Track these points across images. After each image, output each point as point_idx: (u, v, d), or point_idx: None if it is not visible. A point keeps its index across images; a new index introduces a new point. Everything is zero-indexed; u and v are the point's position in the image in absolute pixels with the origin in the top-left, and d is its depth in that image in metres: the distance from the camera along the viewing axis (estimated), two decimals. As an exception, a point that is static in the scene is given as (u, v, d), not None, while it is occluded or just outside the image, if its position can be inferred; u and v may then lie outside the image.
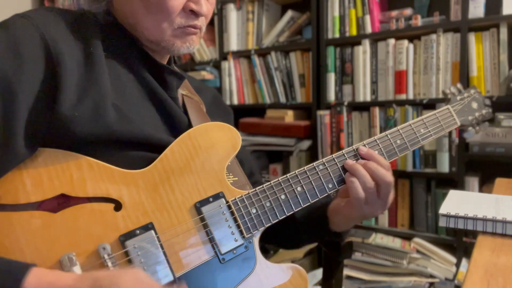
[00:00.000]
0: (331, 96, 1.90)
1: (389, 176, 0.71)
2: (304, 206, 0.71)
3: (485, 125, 0.94)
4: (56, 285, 0.50)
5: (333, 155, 0.74)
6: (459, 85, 0.94)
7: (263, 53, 2.07)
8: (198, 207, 0.64)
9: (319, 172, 0.72)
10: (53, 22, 0.62)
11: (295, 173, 0.71)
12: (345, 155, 0.74)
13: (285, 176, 0.71)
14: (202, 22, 0.71)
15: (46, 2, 2.71)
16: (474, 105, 0.92)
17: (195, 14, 0.68)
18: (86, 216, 0.57)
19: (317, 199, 0.72)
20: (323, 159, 0.73)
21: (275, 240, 0.86)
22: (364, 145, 0.75)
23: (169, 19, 0.67)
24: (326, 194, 0.73)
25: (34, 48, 0.58)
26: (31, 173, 0.56)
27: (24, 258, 0.53)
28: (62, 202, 0.57)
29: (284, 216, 0.69)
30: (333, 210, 0.78)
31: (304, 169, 0.72)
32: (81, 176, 0.58)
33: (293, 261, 1.86)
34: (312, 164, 0.72)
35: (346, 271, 1.81)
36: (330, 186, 0.72)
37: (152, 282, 0.53)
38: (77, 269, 0.54)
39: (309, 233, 0.82)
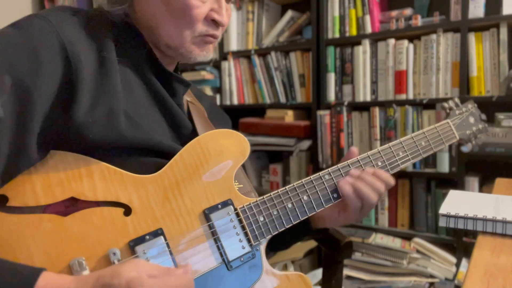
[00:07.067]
0: (331, 96, 1.90)
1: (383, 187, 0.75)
2: (310, 215, 0.72)
3: (480, 139, 0.96)
4: None
5: (338, 165, 0.76)
6: (456, 100, 0.95)
7: (263, 53, 2.07)
8: (207, 213, 0.64)
9: (325, 182, 0.73)
10: (69, 23, 0.61)
11: (302, 182, 0.72)
12: (350, 166, 0.76)
13: (292, 185, 0.72)
14: (220, 32, 0.72)
15: (46, 2, 2.71)
16: (471, 119, 0.94)
17: (216, 24, 0.69)
18: (96, 220, 0.57)
19: (322, 208, 0.73)
20: (329, 169, 0.75)
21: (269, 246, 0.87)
22: (368, 156, 0.77)
23: (192, 27, 0.67)
24: (332, 204, 0.74)
25: (51, 52, 0.56)
26: (41, 176, 0.56)
27: (33, 261, 0.53)
28: (72, 205, 0.56)
29: (291, 225, 0.70)
30: (316, 217, 0.80)
31: (310, 178, 0.73)
32: (91, 179, 0.58)
33: (293, 261, 1.85)
34: (318, 173, 0.74)
35: (346, 271, 1.81)
36: (335, 195, 0.74)
37: (152, 265, 0.53)
38: (86, 274, 0.53)
39: (294, 236, 0.84)
